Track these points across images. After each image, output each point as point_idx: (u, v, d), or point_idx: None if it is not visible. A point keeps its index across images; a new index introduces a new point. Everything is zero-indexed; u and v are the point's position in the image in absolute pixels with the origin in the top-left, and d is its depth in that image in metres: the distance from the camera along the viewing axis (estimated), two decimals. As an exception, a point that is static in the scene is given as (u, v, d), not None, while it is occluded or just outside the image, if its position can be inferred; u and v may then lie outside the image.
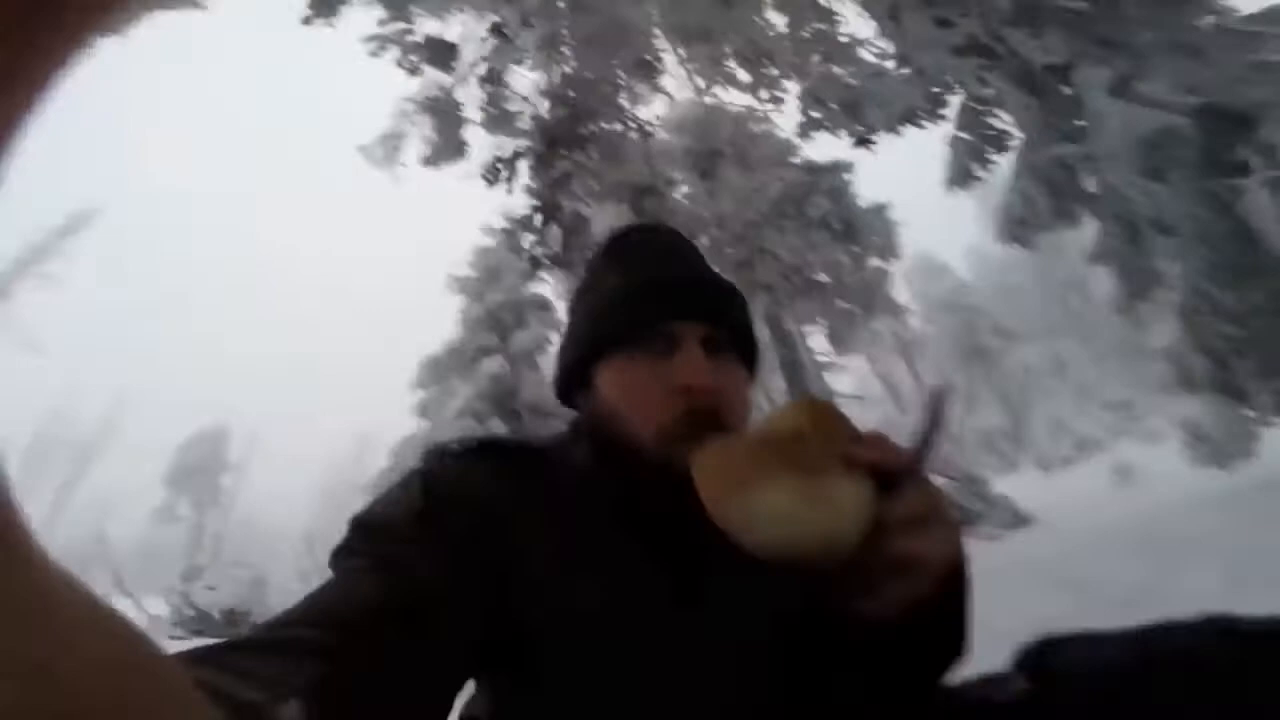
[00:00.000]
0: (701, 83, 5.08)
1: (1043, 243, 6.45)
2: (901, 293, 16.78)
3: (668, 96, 6.14)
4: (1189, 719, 0.47)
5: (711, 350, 0.65)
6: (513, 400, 11.75)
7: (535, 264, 4.99)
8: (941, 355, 24.85)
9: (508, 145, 5.28)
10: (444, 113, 5.63)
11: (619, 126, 5.44)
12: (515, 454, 0.67)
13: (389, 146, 6.32)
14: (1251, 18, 4.34)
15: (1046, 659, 0.57)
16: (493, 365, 11.46)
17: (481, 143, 5.86)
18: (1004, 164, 5.81)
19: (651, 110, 5.90)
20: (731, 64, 4.76)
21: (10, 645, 0.12)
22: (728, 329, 0.67)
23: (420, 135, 5.98)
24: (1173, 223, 4.89)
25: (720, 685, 0.59)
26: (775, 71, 4.65)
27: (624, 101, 5.37)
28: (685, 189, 6.48)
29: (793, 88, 4.69)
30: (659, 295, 0.65)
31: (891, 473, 0.50)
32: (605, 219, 6.11)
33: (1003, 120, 5.49)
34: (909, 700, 0.60)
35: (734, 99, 6.51)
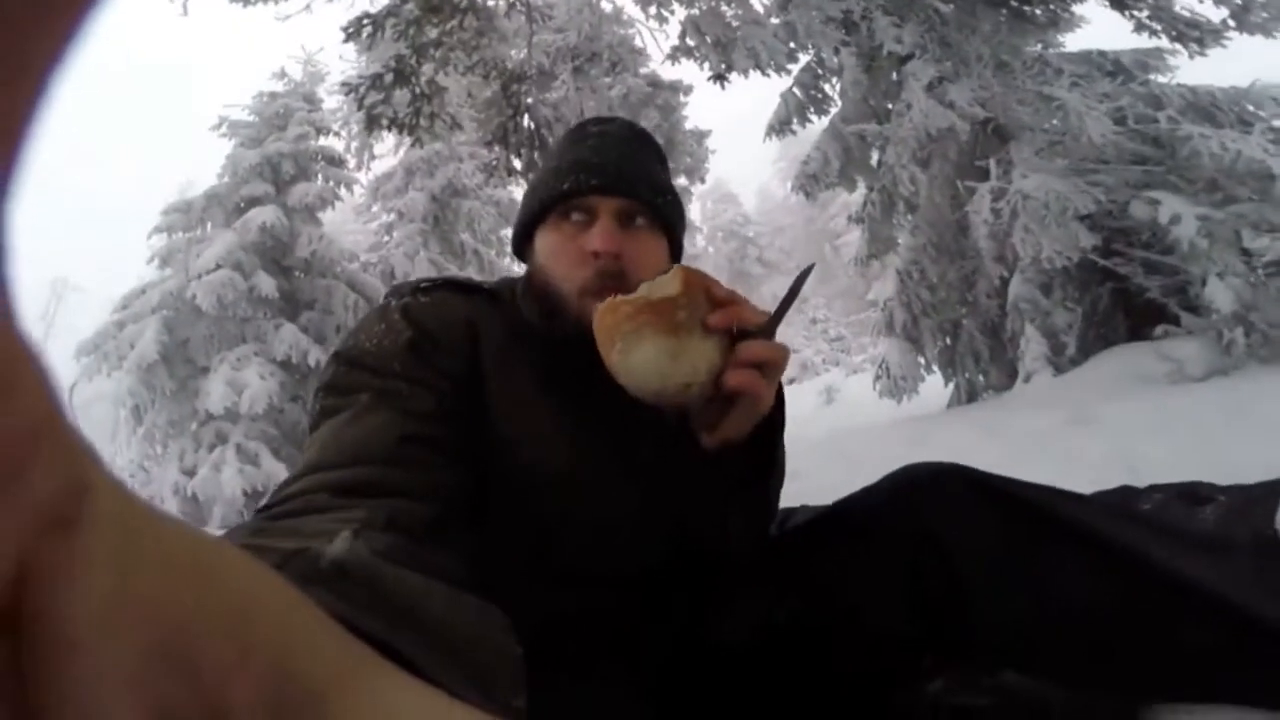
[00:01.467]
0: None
1: (819, 196, 7.50)
2: (695, 213, 18.06)
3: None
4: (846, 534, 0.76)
5: (625, 222, 0.72)
6: (285, 255, 10.38)
7: (372, 122, 4.43)
8: (715, 273, 27.38)
9: (368, 1, 4.43)
10: None
11: (503, 4, 4.91)
12: (476, 293, 0.75)
13: None
14: (1067, 54, 5.26)
15: (786, 521, 0.87)
16: (264, 215, 9.90)
17: None
18: (817, 124, 6.57)
19: None
20: (629, -32, 4.58)
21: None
22: (645, 205, 0.73)
23: None
24: (918, 204, 6.12)
25: (641, 517, 0.70)
26: (671, -9, 4.62)
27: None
28: (560, 81, 6.18)
29: (680, 11, 4.70)
30: (584, 171, 0.72)
31: (748, 329, 0.59)
32: (461, 91, 5.58)
33: (832, 87, 6.16)
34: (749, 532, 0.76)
35: (618, 1, 6.25)
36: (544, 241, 0.74)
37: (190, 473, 9.25)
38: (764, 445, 0.67)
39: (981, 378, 6.37)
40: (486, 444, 0.64)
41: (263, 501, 0.52)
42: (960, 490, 0.71)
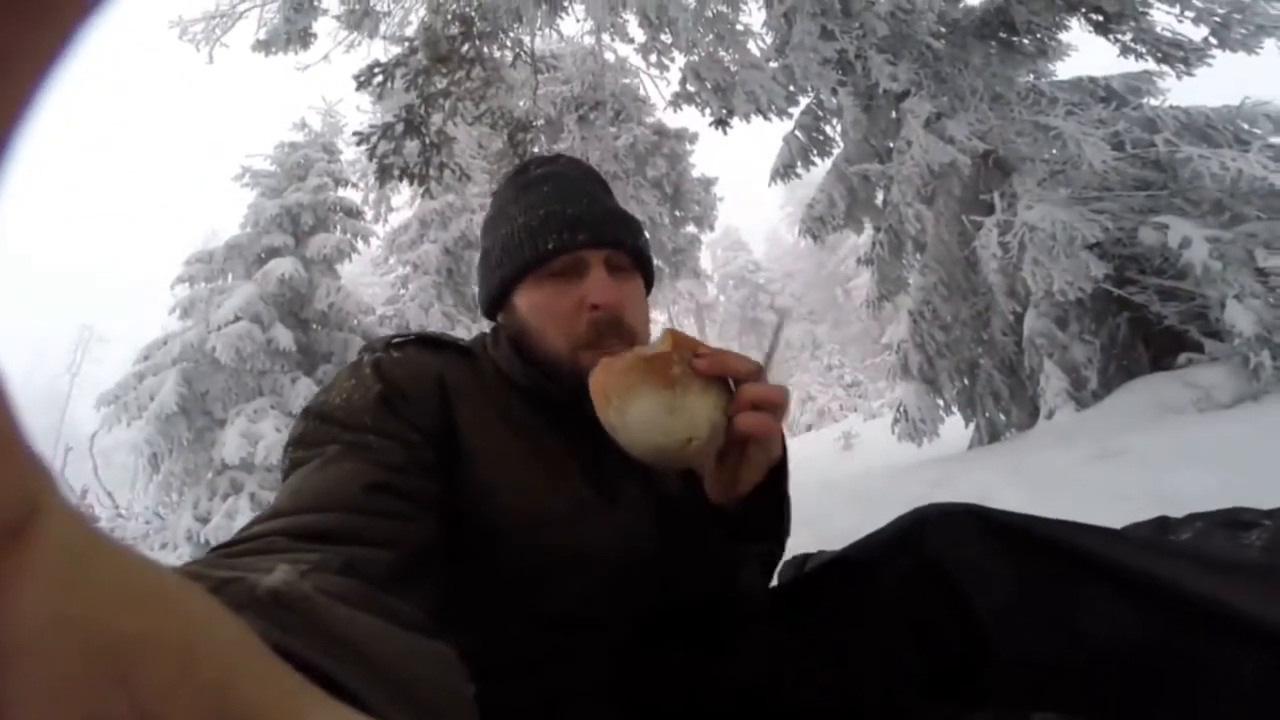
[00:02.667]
0: (598, 31, 4.99)
1: (828, 240, 7.55)
2: (705, 261, 18.27)
3: (559, 35, 5.90)
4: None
5: (613, 270, 0.73)
6: (303, 308, 10.58)
7: (384, 173, 4.57)
8: (727, 321, 27.61)
9: (381, 49, 4.70)
10: None
11: (509, 55, 5.14)
12: (449, 348, 0.75)
13: (215, 25, 5.21)
14: (1058, 83, 5.36)
15: (803, 565, 0.90)
16: (283, 267, 10.16)
17: (330, 37, 5.10)
18: (820, 166, 6.67)
19: (539, 45, 5.63)
20: (629, 19, 4.77)
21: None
22: (627, 251, 0.75)
23: (260, 17, 5.00)
24: (925, 242, 6.13)
25: (621, 564, 0.69)
26: (670, 40, 4.78)
27: (520, 32, 5.07)
28: (564, 131, 6.40)
29: (679, 58, 4.88)
30: (566, 226, 0.72)
31: (739, 377, 0.60)
32: (471, 142, 5.77)
33: (833, 129, 6.28)
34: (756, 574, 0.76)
35: (619, 50, 6.51)
36: (529, 299, 0.73)
37: (204, 519, 9.24)
38: (773, 494, 0.67)
39: (1003, 416, 6.24)
40: (463, 494, 0.64)
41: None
42: (972, 527, 0.68)
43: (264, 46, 5.00)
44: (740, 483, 0.62)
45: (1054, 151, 4.55)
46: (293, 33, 4.78)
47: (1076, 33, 5.28)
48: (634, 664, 0.70)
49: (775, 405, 0.59)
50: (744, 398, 0.59)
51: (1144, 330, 4.81)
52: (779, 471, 0.67)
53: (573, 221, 0.72)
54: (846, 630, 0.69)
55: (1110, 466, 2.94)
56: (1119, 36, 5.06)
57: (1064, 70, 5.59)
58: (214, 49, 5.33)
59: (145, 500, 9.95)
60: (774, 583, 0.84)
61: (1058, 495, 2.71)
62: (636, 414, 0.56)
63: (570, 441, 0.70)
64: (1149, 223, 4.04)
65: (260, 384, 10.05)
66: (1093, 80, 5.34)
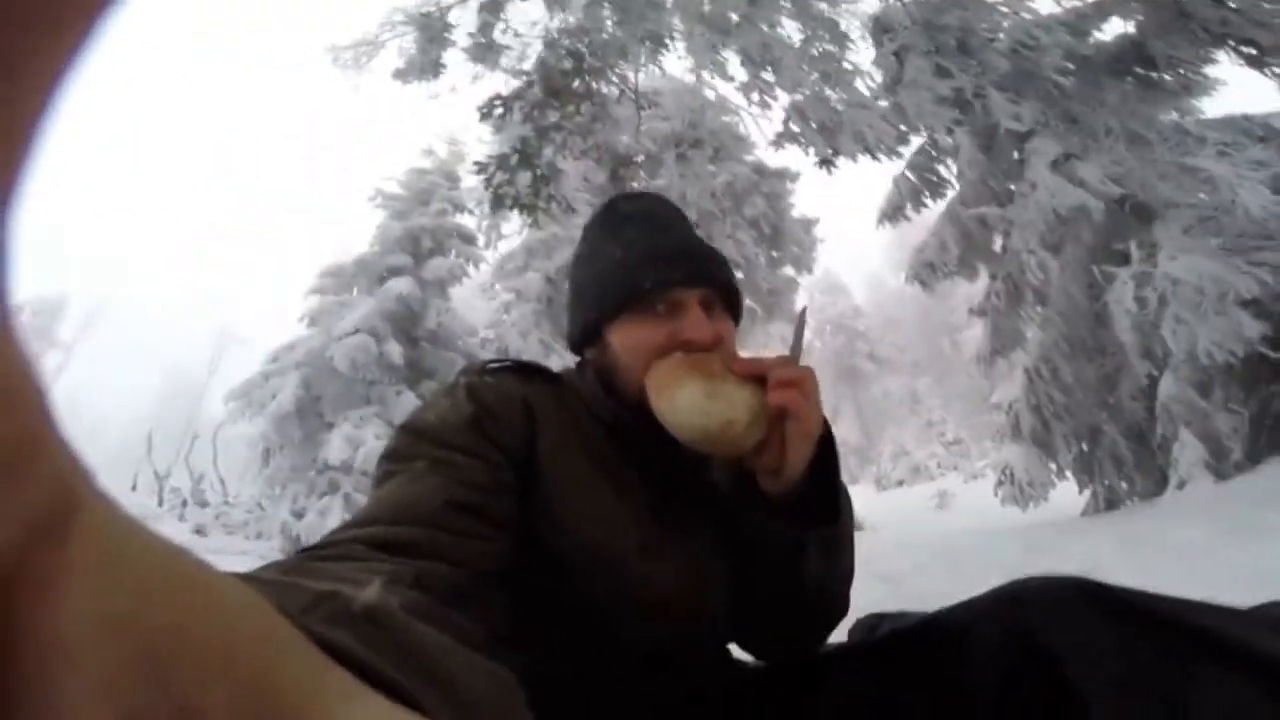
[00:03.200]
0: (697, 69, 5.14)
1: (938, 287, 7.19)
2: (802, 304, 17.87)
3: (661, 73, 6.14)
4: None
5: (707, 310, 0.74)
6: (415, 325, 11.32)
7: (499, 201, 4.88)
8: (821, 368, 26.74)
9: (502, 82, 5.11)
10: (432, 30, 5.29)
11: (615, 91, 5.39)
12: (540, 377, 0.78)
13: (363, 52, 5.87)
14: (1207, 121, 4.96)
15: (877, 627, 0.81)
16: (401, 286, 10.95)
17: (459, 69, 5.61)
18: (932, 209, 6.40)
19: (642, 81, 5.89)
20: (729, 57, 4.88)
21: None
22: (721, 290, 0.77)
23: (398, 47, 5.59)
24: (1048, 294, 5.69)
25: (688, 605, 0.70)
26: (772, 78, 4.82)
27: (624, 68, 5.32)
28: (663, 167, 6.58)
29: (783, 96, 4.91)
30: (664, 264, 0.73)
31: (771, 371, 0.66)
32: (577, 175, 6.05)
33: (948, 169, 6.05)
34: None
35: (719, 89, 6.65)
36: (623, 335, 0.75)
37: (299, 515, 9.93)
38: (824, 474, 0.70)
39: (1124, 484, 5.61)
40: (540, 518, 0.66)
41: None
42: (1077, 601, 0.61)
43: (402, 75, 5.53)
44: (786, 465, 0.65)
45: (1203, 196, 4.15)
46: (426, 63, 5.25)
47: (1226, 66, 4.85)
48: (701, 711, 0.70)
49: (801, 381, 0.65)
50: (775, 379, 0.65)
51: (1303, 401, 4.18)
52: (827, 455, 0.70)
53: (670, 259, 0.74)
54: (929, 703, 0.64)
55: (1246, 543, 2.59)
56: (1276, 70, 4.58)
57: (1213, 107, 5.12)
58: (361, 75, 5.95)
59: (251, 490, 10.85)
60: (844, 640, 0.79)
61: (1181, 571, 2.42)
62: (681, 401, 0.64)
63: (647, 480, 0.72)
64: (1315, 277, 3.52)
65: (369, 393, 10.79)
66: (1247, 118, 4.88)
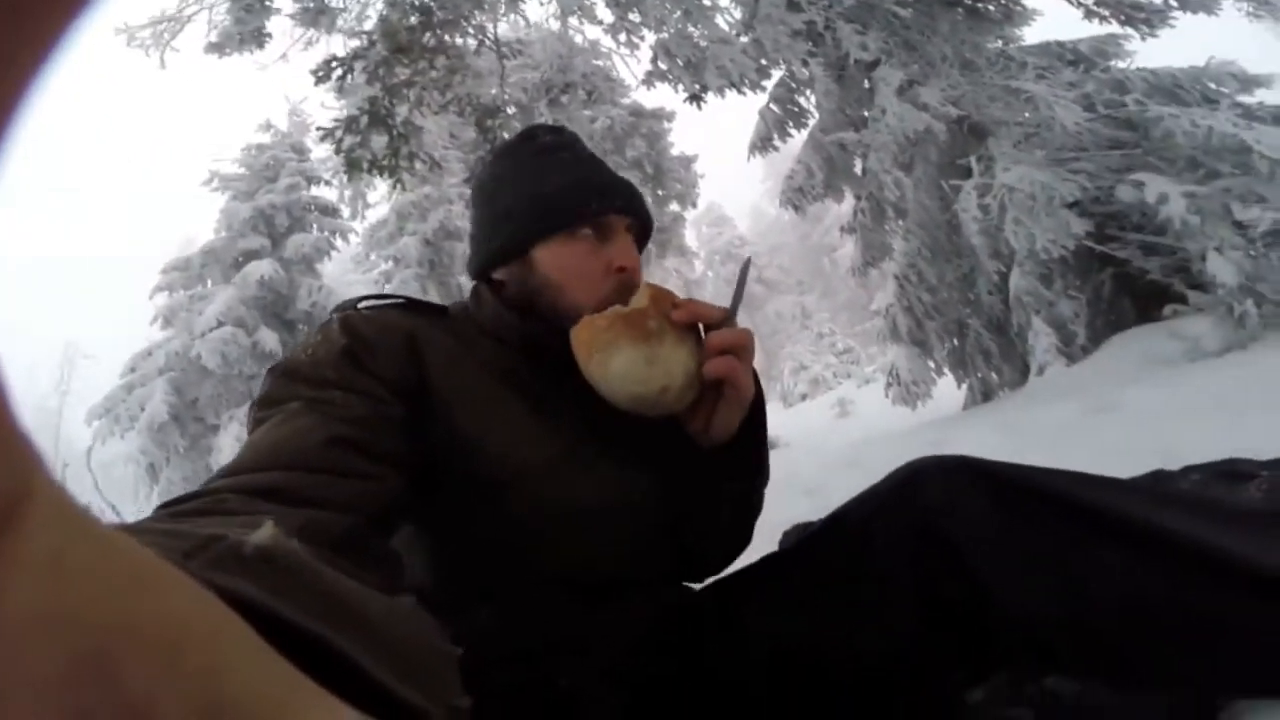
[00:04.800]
0: (564, 14, 4.89)
1: (810, 210, 7.52)
2: (690, 238, 18.16)
3: (524, 20, 5.79)
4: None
5: (633, 237, 0.78)
6: (286, 308, 10.49)
7: (353, 165, 4.48)
8: (716, 297, 27.48)
9: (341, 45, 4.58)
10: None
11: (472, 42, 5.02)
12: (423, 307, 0.77)
13: (164, 29, 5.03)
14: (1027, 48, 5.38)
15: (804, 534, 0.87)
16: (261, 269, 10.05)
17: (286, 35, 4.97)
18: (797, 138, 6.60)
19: (503, 30, 5.53)
20: (596, 0, 4.70)
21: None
22: (643, 221, 0.80)
23: (207, 20, 4.85)
24: (907, 208, 6.10)
25: (619, 514, 0.71)
26: (638, 18, 4.69)
27: (482, 19, 4.96)
28: (538, 114, 6.29)
29: (649, 36, 4.80)
30: (606, 191, 0.76)
31: (710, 323, 0.65)
32: (442, 132, 5.67)
33: (807, 100, 6.22)
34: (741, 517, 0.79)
35: (588, 33, 6.39)
36: (555, 256, 0.75)
37: (204, 528, 9.29)
38: (752, 437, 0.71)
39: (995, 375, 6.28)
40: (447, 449, 0.64)
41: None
42: (967, 480, 0.65)
43: (217, 49, 4.87)
44: (717, 424, 0.65)
45: (1027, 115, 4.54)
46: (245, 33, 4.66)
47: None
48: (640, 651, 0.69)
49: (741, 348, 0.64)
50: (712, 344, 0.64)
51: (1128, 284, 4.83)
52: (756, 414, 0.71)
53: (609, 188, 0.77)
54: (845, 596, 0.67)
55: (1104, 421, 2.91)
56: (1083, 0, 5.03)
57: (1031, 35, 5.62)
58: (164, 54, 5.17)
59: (148, 509, 9.94)
60: (776, 548, 0.83)
61: (1054, 452, 2.68)
62: (616, 366, 0.60)
63: (562, 394, 0.70)
64: (1125, 181, 4.04)
65: (250, 388, 9.99)
66: (1060, 44, 5.33)
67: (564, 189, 0.76)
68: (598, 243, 0.74)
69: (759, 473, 0.76)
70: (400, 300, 0.75)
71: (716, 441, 0.67)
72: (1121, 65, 5.04)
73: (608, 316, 0.63)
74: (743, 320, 0.75)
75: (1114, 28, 5.17)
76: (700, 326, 0.66)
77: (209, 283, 10.36)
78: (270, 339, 9.74)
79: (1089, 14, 5.16)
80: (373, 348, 0.63)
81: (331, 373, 0.59)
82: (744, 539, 0.81)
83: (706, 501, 0.74)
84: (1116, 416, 2.92)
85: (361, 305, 0.72)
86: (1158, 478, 1.18)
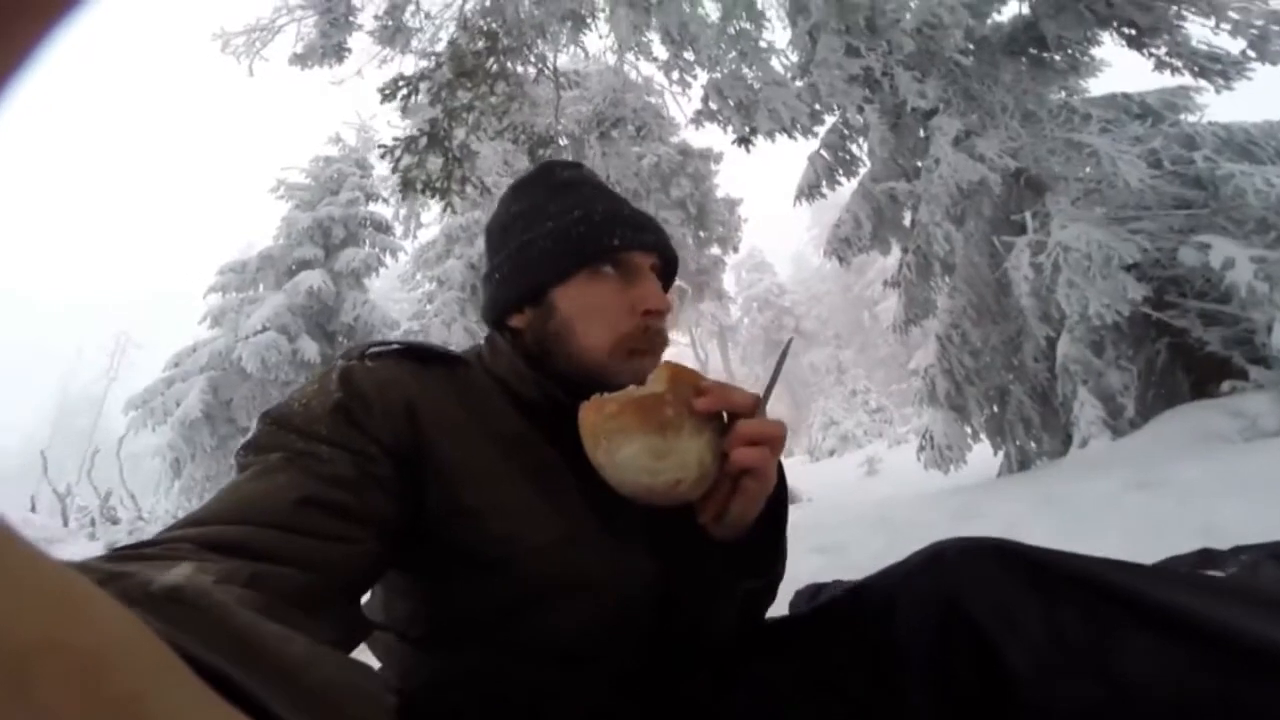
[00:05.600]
0: (620, 49, 5.06)
1: (854, 262, 7.45)
2: (729, 282, 18.24)
3: (584, 53, 6.00)
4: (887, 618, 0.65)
5: (657, 277, 0.74)
6: (330, 320, 10.78)
7: (407, 185, 4.63)
8: (750, 343, 27.46)
9: (412, 65, 4.83)
10: (334, 13, 4.93)
11: (532, 71, 5.22)
12: (433, 358, 0.71)
13: (256, 38, 5.40)
14: (1091, 100, 5.27)
15: (816, 596, 0.84)
16: (312, 279, 10.38)
17: (364, 52, 5.27)
18: (846, 186, 6.59)
19: (563, 61, 5.75)
20: (652, 38, 4.82)
21: None
22: (669, 262, 0.77)
23: (297, 31, 5.19)
24: (955, 264, 5.99)
25: (619, 594, 0.66)
26: (692, 57, 4.81)
27: (544, 48, 5.16)
28: (588, 147, 6.47)
29: (701, 75, 4.90)
30: (628, 227, 0.72)
31: (739, 413, 0.60)
32: (496, 158, 5.85)
33: (859, 148, 6.20)
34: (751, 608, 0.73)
35: (642, 69, 6.60)
36: (577, 295, 0.71)
37: (220, 527, 9.40)
38: (770, 531, 0.67)
39: (1034, 445, 6.03)
40: (441, 516, 0.61)
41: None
42: (999, 562, 0.61)
43: (300, 60, 5.16)
44: (732, 517, 0.60)
45: (1088, 170, 4.42)
46: (328, 47, 4.93)
47: (1109, 48, 5.19)
48: (627, 701, 0.66)
49: (772, 440, 0.59)
50: (740, 433, 0.58)
51: (1185, 356, 4.61)
52: (776, 507, 0.66)
53: (633, 223, 0.73)
54: (859, 673, 0.63)
55: (1149, 497, 2.78)
56: (1153, 51, 4.94)
57: (1097, 86, 5.50)
58: (254, 62, 5.51)
59: (166, 504, 10.12)
60: (784, 612, 0.79)
61: (1092, 527, 2.57)
62: (625, 457, 0.56)
63: (568, 463, 0.65)
64: (1190, 243, 3.88)
65: (284, 394, 10.18)
66: (1127, 96, 5.22)
67: (584, 224, 0.72)
68: (622, 282, 0.71)
69: (773, 571, 0.71)
70: (412, 349, 0.70)
71: (729, 534, 0.62)
72: (1192, 119, 4.89)
73: (618, 400, 0.57)
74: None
75: (1186, 79, 5.03)
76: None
77: (261, 287, 10.74)
78: (310, 348, 9.99)
79: (1160, 65, 4.99)
80: (369, 405, 0.60)
81: (322, 427, 0.57)
82: (747, 633, 0.74)
83: (710, 596, 0.69)
84: (1161, 492, 2.78)
85: (370, 353, 0.68)
86: (1204, 558, 1.12)
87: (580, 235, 0.71)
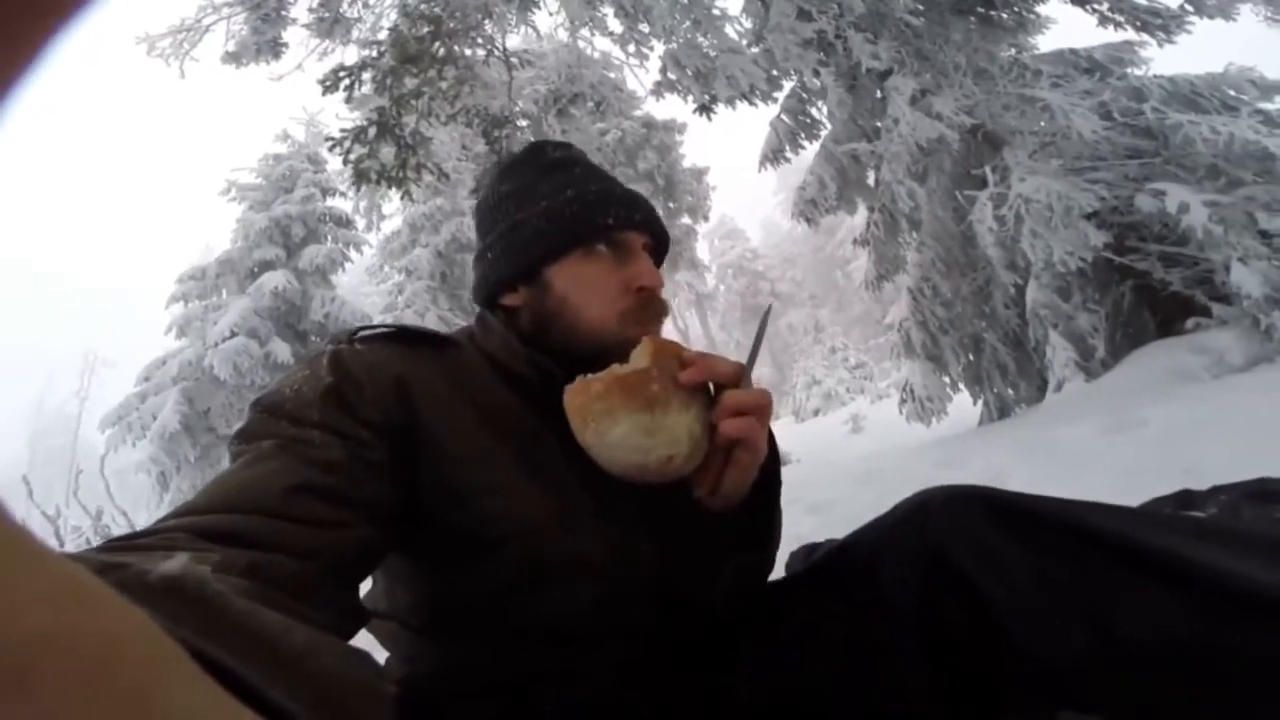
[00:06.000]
0: (574, 25, 4.93)
1: (823, 222, 7.47)
2: (702, 251, 18.18)
3: (535, 31, 5.85)
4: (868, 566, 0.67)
5: (649, 255, 0.75)
6: (299, 319, 10.58)
7: (361, 176, 4.51)
8: (729, 310, 27.54)
9: (355, 55, 4.66)
10: (264, 9, 4.72)
11: (481, 53, 5.07)
12: (423, 339, 0.71)
13: (184, 39, 5.15)
14: (1041, 56, 5.33)
15: (811, 555, 0.85)
16: (276, 280, 10.15)
17: (302, 46, 5.08)
18: (809, 149, 6.57)
19: (514, 41, 5.62)
20: (606, 12, 4.71)
21: None
22: (662, 240, 0.77)
23: (227, 29, 4.96)
24: (920, 220, 6.04)
25: (617, 573, 0.66)
26: (647, 29, 4.71)
27: (492, 30, 5.02)
28: (546, 125, 6.33)
29: (658, 47, 4.81)
30: (621, 205, 0.73)
31: (723, 382, 0.61)
32: (453, 143, 5.73)
33: (819, 111, 6.18)
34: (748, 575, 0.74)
35: (598, 45, 6.46)
36: (573, 273, 0.71)
37: (213, 538, 9.34)
38: (764, 501, 0.67)
39: (1011, 391, 6.16)
40: (435, 498, 0.61)
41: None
42: (981, 511, 0.62)
43: (234, 58, 4.97)
44: (725, 489, 0.61)
45: (1043, 124, 4.47)
46: (262, 44, 4.75)
47: (1055, 5, 5.25)
48: (631, 682, 0.66)
49: (758, 409, 0.60)
50: (726, 404, 0.59)
51: (1149, 297, 4.72)
52: (768, 478, 0.67)
53: (625, 202, 0.73)
54: (850, 630, 0.64)
55: (1126, 439, 2.83)
56: (1096, 6, 5.02)
57: (1045, 43, 5.57)
58: (184, 63, 5.28)
59: (157, 516, 10.03)
60: (781, 574, 0.79)
61: (1073, 471, 2.63)
62: (615, 437, 0.55)
63: (561, 441, 0.64)
64: (1145, 190, 3.95)
65: (264, 397, 10.07)
66: (1074, 52, 5.26)
67: (578, 203, 0.72)
68: (615, 260, 0.72)
69: (769, 541, 0.72)
70: (401, 331, 0.70)
71: (724, 507, 0.63)
72: (1138, 73, 4.97)
73: (604, 380, 0.57)
74: (754, 334, 0.70)
75: (1129, 35, 5.12)
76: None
77: (224, 293, 10.48)
78: (283, 350, 9.82)
79: (1104, 21, 5.10)
80: (360, 388, 0.60)
81: (314, 412, 0.56)
82: (747, 604, 0.75)
83: (708, 569, 0.69)
84: (1138, 435, 2.84)
85: (359, 336, 0.68)
86: (1184, 499, 1.14)
87: (574, 214, 0.72)
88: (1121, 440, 2.83)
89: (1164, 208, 3.80)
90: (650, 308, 0.71)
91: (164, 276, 11.09)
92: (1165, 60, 5.10)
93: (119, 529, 11.13)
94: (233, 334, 9.61)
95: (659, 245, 0.78)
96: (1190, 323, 4.17)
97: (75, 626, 0.13)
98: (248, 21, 4.80)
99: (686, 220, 11.30)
